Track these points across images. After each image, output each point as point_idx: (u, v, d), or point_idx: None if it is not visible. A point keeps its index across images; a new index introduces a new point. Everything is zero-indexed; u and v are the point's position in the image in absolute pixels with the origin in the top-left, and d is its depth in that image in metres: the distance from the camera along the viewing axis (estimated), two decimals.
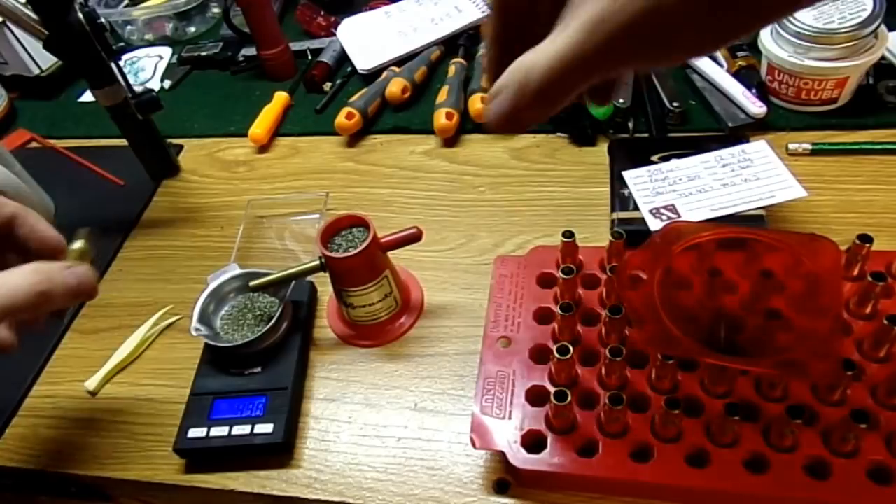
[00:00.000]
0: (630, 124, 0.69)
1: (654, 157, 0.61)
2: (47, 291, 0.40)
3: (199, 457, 0.51)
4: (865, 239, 0.47)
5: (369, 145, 0.77)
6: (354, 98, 0.78)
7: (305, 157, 0.77)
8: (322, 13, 0.96)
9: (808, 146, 0.64)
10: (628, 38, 0.22)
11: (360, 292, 0.53)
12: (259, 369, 0.53)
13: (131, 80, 0.71)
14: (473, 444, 0.44)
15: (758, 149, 0.58)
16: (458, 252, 0.62)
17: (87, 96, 0.94)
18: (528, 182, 0.68)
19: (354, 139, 0.77)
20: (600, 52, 0.23)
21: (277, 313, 0.54)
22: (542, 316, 0.50)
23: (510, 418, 0.45)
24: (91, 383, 0.57)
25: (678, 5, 0.21)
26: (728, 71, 0.71)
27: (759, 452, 0.41)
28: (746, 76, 0.69)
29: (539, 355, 0.48)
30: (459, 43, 0.86)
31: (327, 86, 0.86)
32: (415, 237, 0.53)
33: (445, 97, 0.75)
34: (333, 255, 0.51)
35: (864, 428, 0.39)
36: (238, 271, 0.57)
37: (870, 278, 0.45)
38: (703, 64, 0.72)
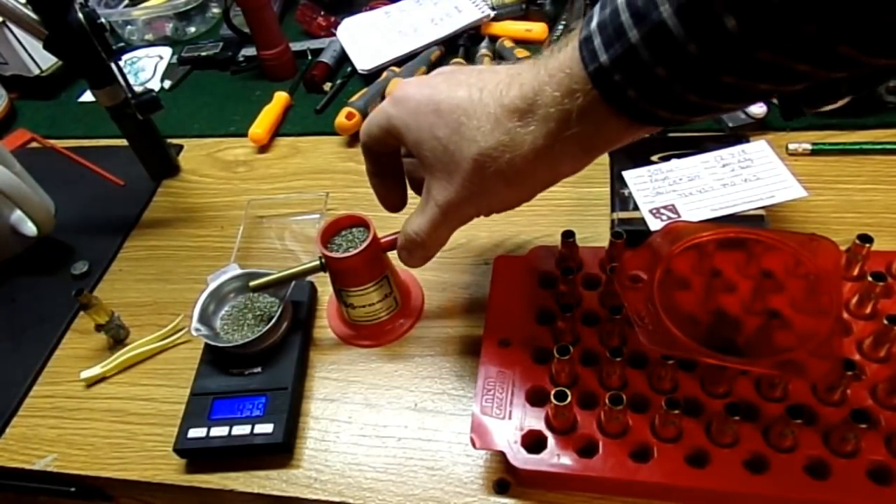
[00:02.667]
0: None
1: (654, 157, 0.61)
2: None
3: (199, 457, 0.51)
4: (865, 239, 0.47)
5: None
6: (354, 98, 0.78)
7: (305, 157, 0.77)
8: (322, 13, 0.96)
9: (808, 146, 0.64)
10: (462, 214, 0.42)
11: (360, 292, 0.53)
12: (259, 369, 0.53)
13: (131, 80, 0.71)
14: (473, 444, 0.44)
15: (758, 149, 0.58)
16: (458, 252, 0.62)
17: (87, 96, 0.94)
18: None
19: (354, 139, 0.77)
20: (452, 220, 0.42)
21: (277, 313, 0.54)
22: (542, 316, 0.50)
23: (510, 418, 0.45)
24: (88, 372, 0.57)
25: (467, 199, 0.40)
26: None
27: (759, 452, 0.41)
28: None
29: (539, 355, 0.48)
30: (459, 43, 0.86)
31: (327, 86, 0.86)
32: None
33: None
34: (333, 255, 0.51)
35: (864, 428, 0.39)
36: (238, 271, 0.57)
37: (870, 278, 0.45)
38: None
